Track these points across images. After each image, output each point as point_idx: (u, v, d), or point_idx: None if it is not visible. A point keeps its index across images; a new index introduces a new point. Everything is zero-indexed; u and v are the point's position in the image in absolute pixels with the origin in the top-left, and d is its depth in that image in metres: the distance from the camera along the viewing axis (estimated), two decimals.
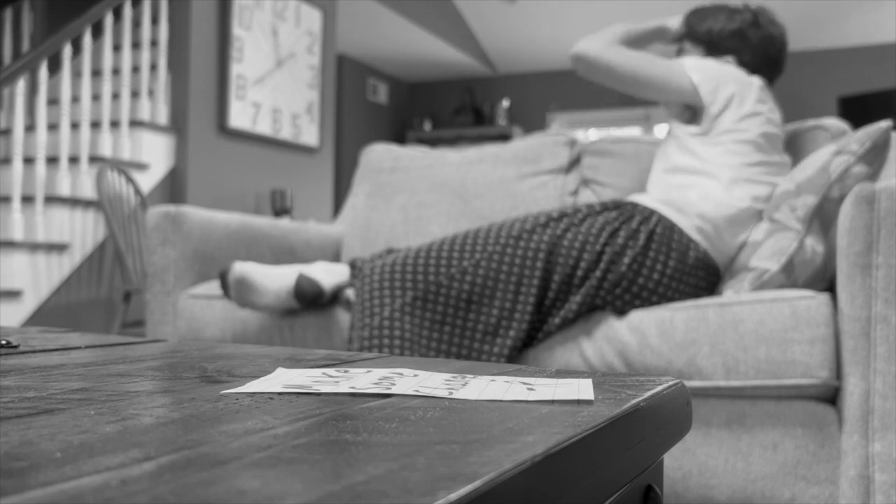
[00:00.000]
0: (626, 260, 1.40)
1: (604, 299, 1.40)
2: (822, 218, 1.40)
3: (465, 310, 1.38)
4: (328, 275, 1.62)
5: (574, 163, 2.07)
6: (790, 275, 1.40)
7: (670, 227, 1.46)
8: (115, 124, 4.03)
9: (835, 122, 1.71)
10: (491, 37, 6.89)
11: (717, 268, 1.50)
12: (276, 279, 1.58)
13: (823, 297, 1.28)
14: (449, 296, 1.38)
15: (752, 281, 1.42)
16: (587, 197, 2.00)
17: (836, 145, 1.45)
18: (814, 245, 1.39)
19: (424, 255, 1.42)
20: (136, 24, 4.68)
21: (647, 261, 1.41)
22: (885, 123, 1.43)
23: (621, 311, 1.42)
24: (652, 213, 1.48)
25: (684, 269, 1.43)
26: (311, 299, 1.57)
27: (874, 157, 1.41)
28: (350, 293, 1.64)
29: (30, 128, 4.20)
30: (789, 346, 1.25)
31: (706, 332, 1.30)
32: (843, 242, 1.22)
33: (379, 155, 2.33)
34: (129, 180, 3.57)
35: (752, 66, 1.74)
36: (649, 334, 1.34)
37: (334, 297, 1.63)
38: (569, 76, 7.45)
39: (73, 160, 3.84)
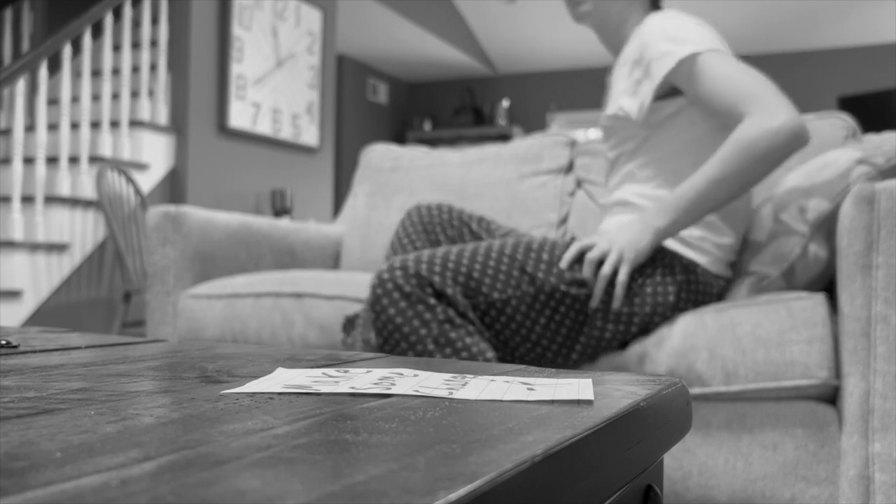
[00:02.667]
0: (657, 319, 1.35)
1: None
2: (830, 223, 1.37)
3: (485, 331, 1.33)
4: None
5: (574, 163, 2.08)
6: (790, 279, 1.39)
7: (696, 280, 1.38)
8: (115, 124, 4.03)
9: (847, 118, 1.71)
10: (491, 37, 6.89)
11: (728, 284, 1.47)
12: None
13: (819, 297, 1.28)
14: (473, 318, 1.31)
15: (750, 287, 1.41)
16: (582, 198, 2.00)
17: (860, 152, 1.38)
18: (817, 250, 1.37)
19: (452, 270, 1.28)
20: (136, 24, 4.68)
21: (677, 314, 1.36)
22: None
23: None
24: (672, 258, 1.38)
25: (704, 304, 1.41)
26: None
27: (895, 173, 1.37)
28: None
29: (30, 128, 4.20)
30: (787, 346, 1.25)
31: (704, 337, 1.30)
32: (843, 242, 1.22)
33: (379, 155, 2.33)
34: (129, 180, 3.57)
35: None
36: (647, 343, 1.33)
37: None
38: (569, 76, 7.45)
39: (73, 160, 3.84)
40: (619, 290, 1.30)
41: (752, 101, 1.31)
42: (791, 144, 1.29)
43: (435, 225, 1.62)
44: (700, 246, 1.41)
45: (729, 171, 1.29)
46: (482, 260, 1.30)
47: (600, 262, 1.33)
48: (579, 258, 1.34)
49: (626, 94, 1.48)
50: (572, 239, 1.40)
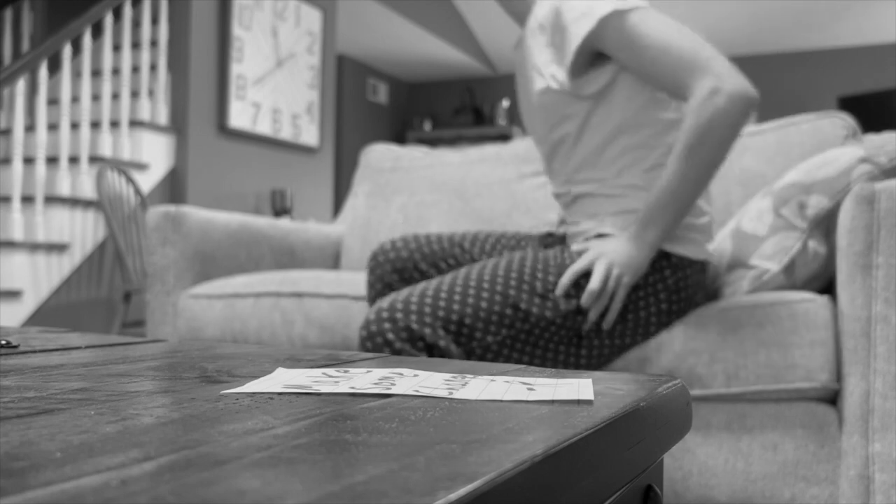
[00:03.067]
0: (653, 329, 1.34)
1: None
2: (829, 220, 1.37)
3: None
4: None
5: None
6: (790, 276, 1.39)
7: (684, 276, 1.35)
8: (115, 124, 4.03)
9: (847, 117, 1.71)
10: (491, 37, 6.89)
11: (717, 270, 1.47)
12: None
13: (823, 300, 1.28)
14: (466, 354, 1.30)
15: (751, 281, 1.40)
16: None
17: (863, 150, 1.38)
18: (816, 247, 1.37)
19: (443, 319, 1.25)
20: (136, 24, 4.68)
21: (673, 318, 1.35)
22: None
23: None
24: (659, 259, 1.33)
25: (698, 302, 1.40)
26: None
27: None
28: None
29: (30, 128, 4.20)
30: (789, 349, 1.25)
31: (705, 340, 1.30)
32: (843, 242, 1.22)
33: (379, 155, 2.33)
34: (129, 180, 3.57)
35: None
36: (647, 348, 1.33)
37: None
38: None
39: (73, 160, 3.84)
40: (611, 315, 1.28)
41: (694, 72, 1.24)
42: (745, 110, 1.23)
43: (409, 269, 1.53)
44: (683, 236, 1.35)
45: (695, 162, 1.24)
46: (473, 302, 1.26)
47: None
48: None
49: (555, 63, 1.33)
50: (564, 255, 1.35)
